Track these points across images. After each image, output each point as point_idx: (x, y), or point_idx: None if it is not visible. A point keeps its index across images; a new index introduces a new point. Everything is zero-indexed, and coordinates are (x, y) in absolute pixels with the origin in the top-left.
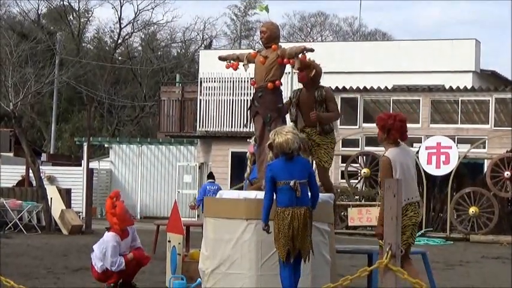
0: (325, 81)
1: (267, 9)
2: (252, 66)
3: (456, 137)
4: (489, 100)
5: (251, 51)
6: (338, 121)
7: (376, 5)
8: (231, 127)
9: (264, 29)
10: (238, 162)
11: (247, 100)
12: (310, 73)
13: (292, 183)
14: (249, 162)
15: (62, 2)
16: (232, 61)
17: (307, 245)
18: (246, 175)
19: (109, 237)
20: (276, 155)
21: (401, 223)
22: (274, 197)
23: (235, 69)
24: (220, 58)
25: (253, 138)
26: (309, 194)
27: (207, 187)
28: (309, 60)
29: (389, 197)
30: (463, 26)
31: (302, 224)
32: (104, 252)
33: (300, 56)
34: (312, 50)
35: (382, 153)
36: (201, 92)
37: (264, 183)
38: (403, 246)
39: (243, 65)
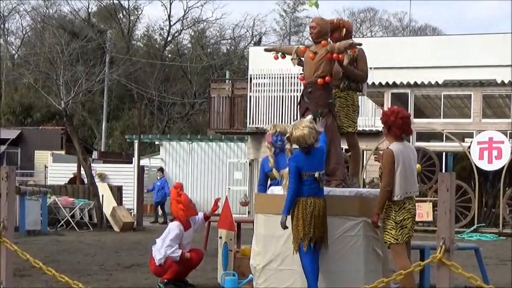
0: (376, 77)
1: (316, 4)
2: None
3: (508, 132)
4: None
5: (300, 46)
6: (366, 86)
7: None
8: (281, 123)
9: (314, 24)
10: None
11: (296, 96)
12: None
13: (317, 174)
14: (269, 152)
15: (111, 1)
16: (279, 54)
17: (326, 234)
18: (270, 165)
19: (173, 225)
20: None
21: (401, 216)
22: None
23: (284, 58)
24: (267, 50)
25: (271, 126)
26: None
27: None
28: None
29: (443, 192)
30: None
31: (322, 213)
32: (165, 237)
33: (349, 51)
34: (360, 44)
35: (387, 146)
36: (250, 88)
37: (287, 175)
38: (406, 239)
39: (291, 59)
